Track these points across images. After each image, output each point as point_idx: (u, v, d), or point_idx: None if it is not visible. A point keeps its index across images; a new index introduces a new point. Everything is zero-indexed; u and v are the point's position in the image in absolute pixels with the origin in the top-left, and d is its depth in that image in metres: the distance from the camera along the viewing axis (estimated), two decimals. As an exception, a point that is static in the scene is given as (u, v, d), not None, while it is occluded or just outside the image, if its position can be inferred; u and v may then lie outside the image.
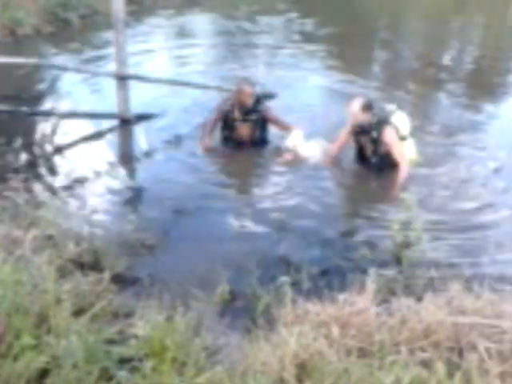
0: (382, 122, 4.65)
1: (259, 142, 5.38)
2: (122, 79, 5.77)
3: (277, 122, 5.32)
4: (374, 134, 4.64)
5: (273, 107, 5.42)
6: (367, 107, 4.60)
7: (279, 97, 6.37)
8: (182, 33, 10.77)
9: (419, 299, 2.92)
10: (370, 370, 2.36)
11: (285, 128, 5.31)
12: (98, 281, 3.03)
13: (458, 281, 3.05)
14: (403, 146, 4.72)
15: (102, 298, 2.85)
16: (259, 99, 5.22)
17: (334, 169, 5.09)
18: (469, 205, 4.45)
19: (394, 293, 3.05)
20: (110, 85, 6.03)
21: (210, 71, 7.93)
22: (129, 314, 2.80)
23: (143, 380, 2.27)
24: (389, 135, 4.62)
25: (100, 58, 8.23)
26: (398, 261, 3.32)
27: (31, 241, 3.25)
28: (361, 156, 4.94)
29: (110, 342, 2.52)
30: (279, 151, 5.23)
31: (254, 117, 5.19)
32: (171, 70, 7.94)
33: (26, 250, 3.15)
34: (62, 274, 3.04)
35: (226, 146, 5.39)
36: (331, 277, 3.37)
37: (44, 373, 2.27)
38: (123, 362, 2.41)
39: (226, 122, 5.27)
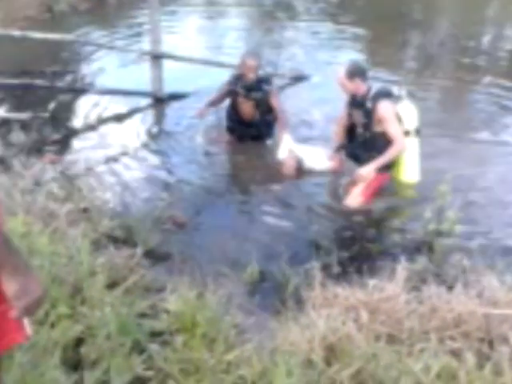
0: (381, 94, 3.98)
1: (262, 126, 4.94)
2: (156, 58, 5.79)
3: (277, 112, 4.79)
4: (369, 105, 3.97)
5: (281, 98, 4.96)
6: (352, 73, 3.97)
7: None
8: (218, 10, 10.72)
9: (450, 288, 2.89)
10: (398, 356, 2.36)
11: (280, 123, 4.79)
12: (130, 255, 3.07)
13: (491, 272, 3.01)
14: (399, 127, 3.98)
15: (135, 273, 2.89)
16: (266, 78, 4.87)
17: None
18: (504, 196, 4.36)
19: (424, 281, 3.02)
20: (145, 63, 6.07)
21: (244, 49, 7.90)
22: (160, 289, 2.84)
23: (174, 354, 2.31)
24: (384, 109, 3.91)
25: (135, 36, 8.27)
26: (429, 249, 3.28)
27: (67, 214, 3.32)
28: (350, 136, 4.29)
29: (142, 315, 2.57)
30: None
31: (257, 95, 4.79)
32: (205, 49, 7.92)
33: (62, 222, 3.21)
34: (96, 247, 3.08)
35: (228, 125, 5.10)
36: (361, 262, 3.35)
37: (79, 341, 2.33)
38: (154, 335, 2.46)
39: (232, 99, 4.98)
